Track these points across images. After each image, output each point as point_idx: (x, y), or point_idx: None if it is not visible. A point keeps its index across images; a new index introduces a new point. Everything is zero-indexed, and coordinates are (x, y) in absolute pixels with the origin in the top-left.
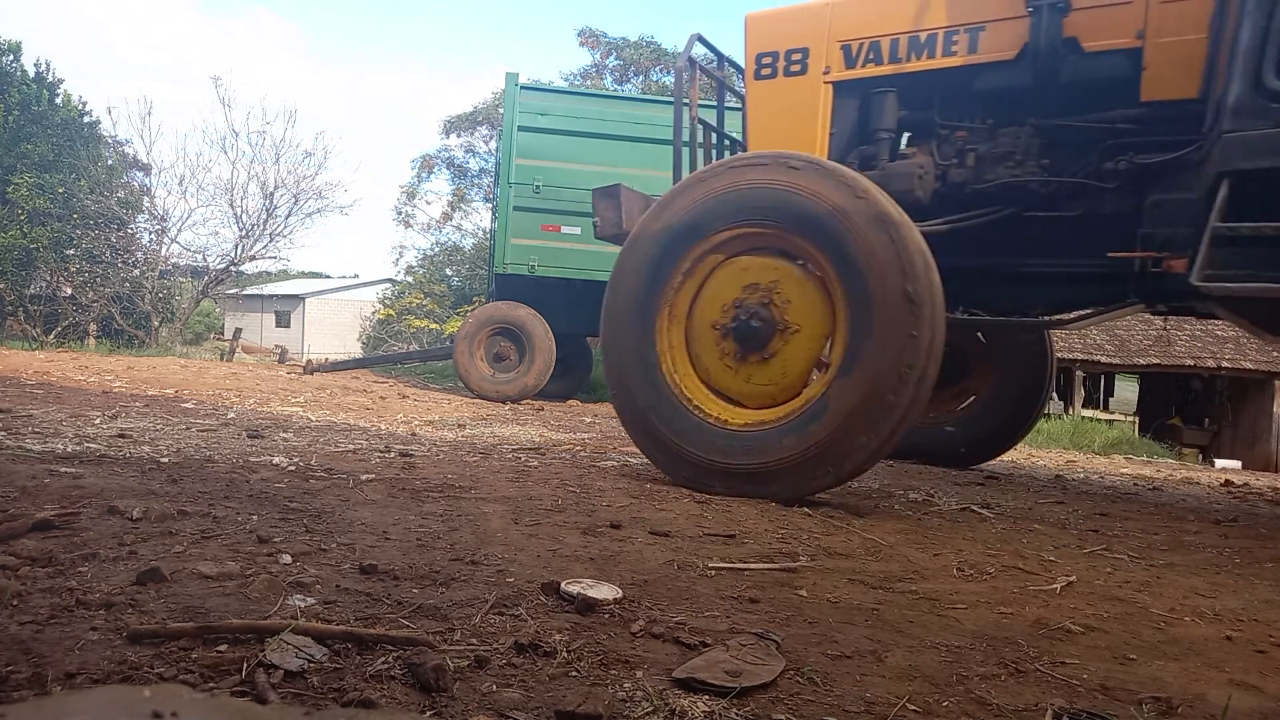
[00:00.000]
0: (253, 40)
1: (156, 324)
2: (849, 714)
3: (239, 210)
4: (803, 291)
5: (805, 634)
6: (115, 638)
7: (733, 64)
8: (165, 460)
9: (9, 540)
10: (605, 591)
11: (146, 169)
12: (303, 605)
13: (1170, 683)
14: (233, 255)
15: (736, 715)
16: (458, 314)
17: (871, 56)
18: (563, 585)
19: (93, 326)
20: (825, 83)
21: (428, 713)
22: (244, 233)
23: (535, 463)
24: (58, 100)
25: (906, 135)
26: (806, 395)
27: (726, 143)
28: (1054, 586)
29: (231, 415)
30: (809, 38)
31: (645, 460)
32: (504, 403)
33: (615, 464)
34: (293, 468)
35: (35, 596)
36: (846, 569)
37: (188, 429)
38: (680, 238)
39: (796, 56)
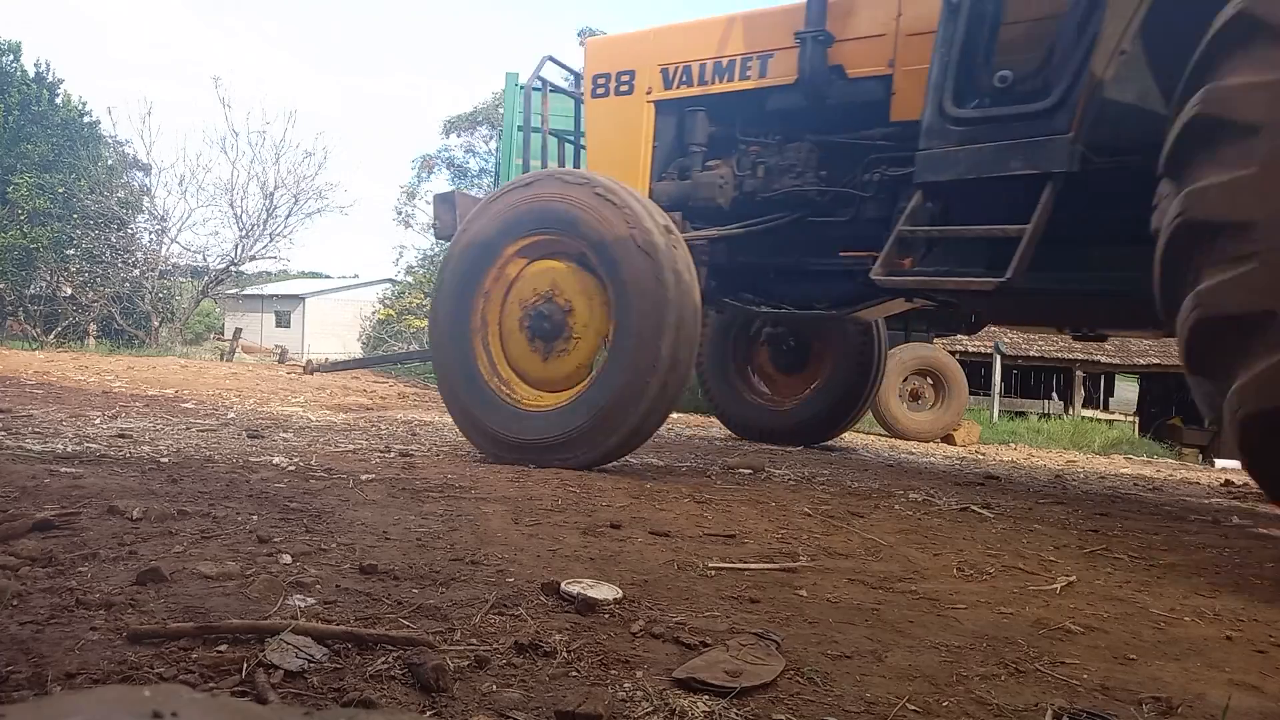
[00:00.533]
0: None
1: (156, 324)
2: (849, 714)
3: (239, 210)
4: (585, 293)
5: (805, 634)
6: (115, 638)
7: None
8: (165, 460)
9: (9, 540)
10: (605, 591)
11: (146, 169)
12: (303, 605)
13: (1170, 683)
14: (233, 255)
15: (736, 715)
16: None
17: (684, 79)
18: (563, 585)
19: (93, 326)
20: (648, 102)
21: (428, 713)
22: (244, 233)
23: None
24: (58, 100)
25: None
26: (591, 379)
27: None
28: (1054, 586)
29: (231, 415)
30: (635, 61)
31: (645, 460)
32: None
33: (615, 463)
34: (293, 468)
35: (35, 596)
36: (846, 569)
37: (188, 429)
38: (485, 249)
39: (625, 78)
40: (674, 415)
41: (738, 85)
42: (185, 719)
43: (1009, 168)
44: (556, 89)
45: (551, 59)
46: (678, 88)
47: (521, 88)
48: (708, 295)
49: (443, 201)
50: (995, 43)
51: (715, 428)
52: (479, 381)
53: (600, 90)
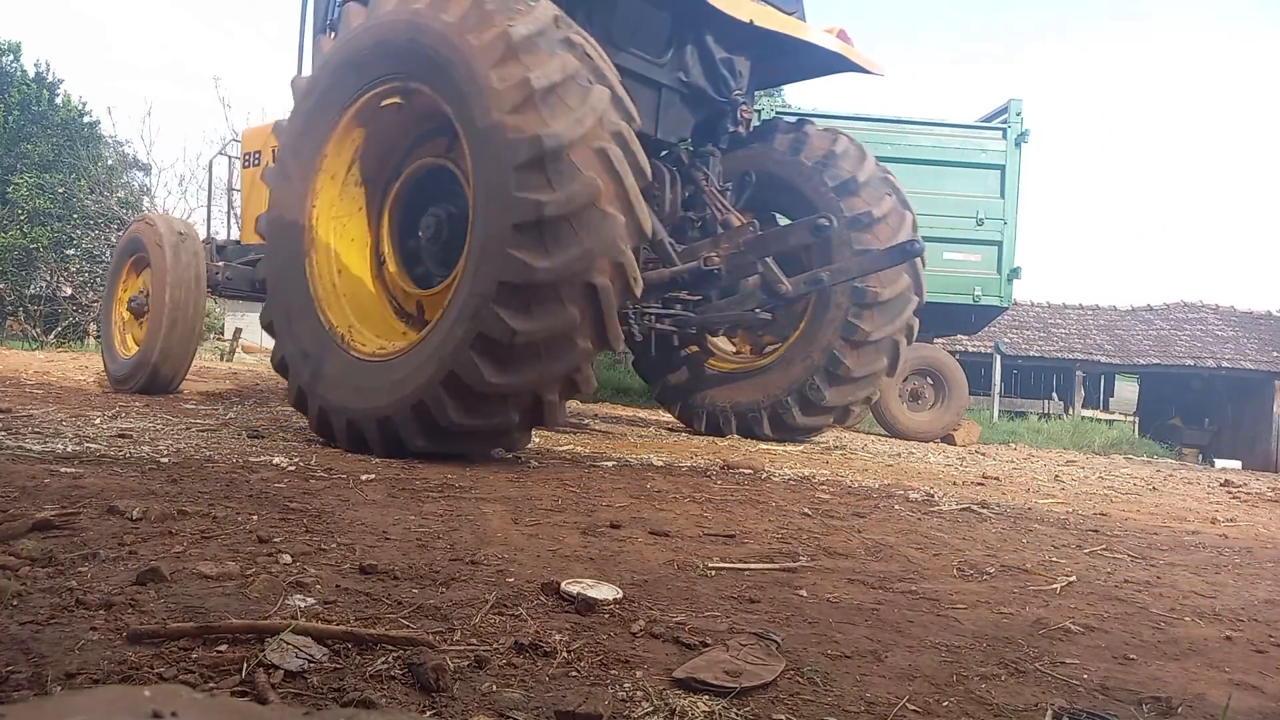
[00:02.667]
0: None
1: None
2: (849, 714)
3: (238, 210)
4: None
5: (805, 634)
6: (115, 638)
7: None
8: (165, 460)
9: (9, 540)
10: (605, 591)
11: (146, 169)
12: (303, 605)
13: (1170, 683)
14: None
15: (736, 715)
16: None
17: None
18: (563, 585)
19: (92, 326)
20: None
21: (428, 713)
22: None
23: (535, 463)
24: (58, 100)
25: None
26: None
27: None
28: (1054, 586)
29: (231, 415)
30: (261, 144)
31: (645, 460)
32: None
33: (615, 464)
34: (293, 468)
35: (35, 596)
36: (846, 569)
37: (188, 429)
38: None
39: (257, 155)
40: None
41: None
42: (185, 719)
43: None
44: None
45: None
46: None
47: None
48: None
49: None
50: None
51: None
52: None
53: (247, 163)
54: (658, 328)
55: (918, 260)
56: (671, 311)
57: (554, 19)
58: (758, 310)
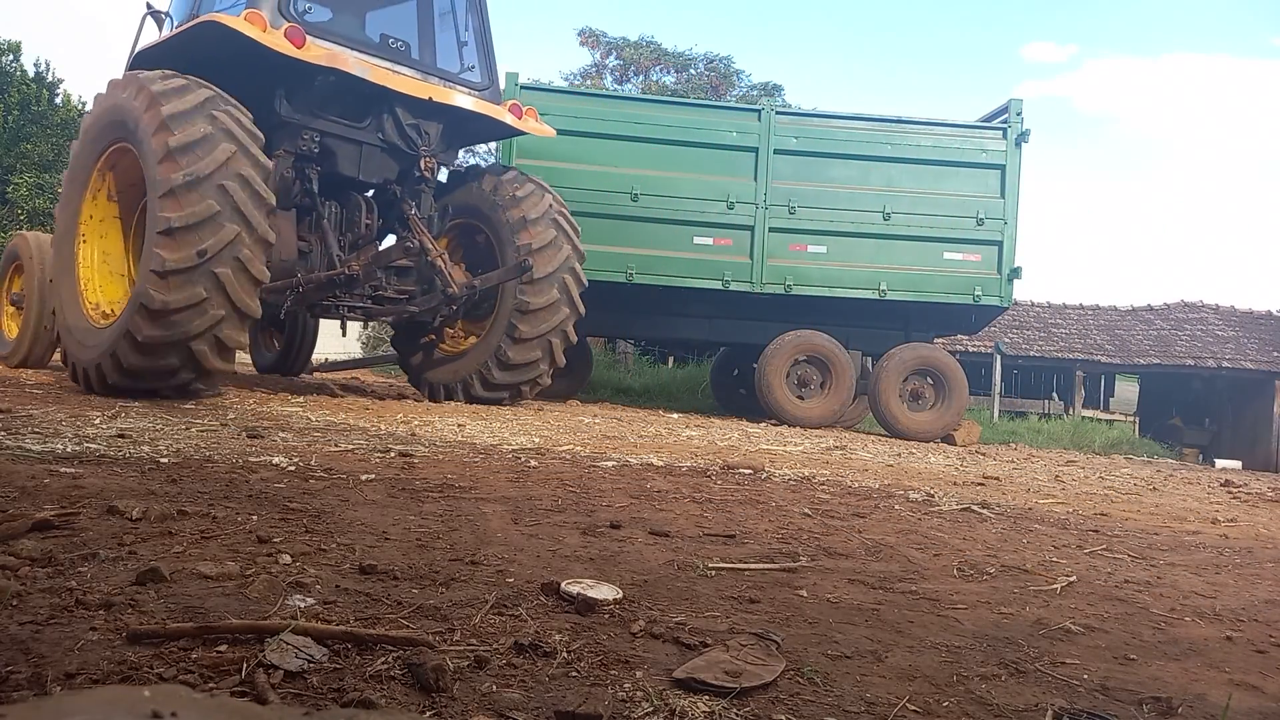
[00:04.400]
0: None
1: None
2: (849, 714)
3: None
4: None
5: (805, 634)
6: (115, 638)
7: None
8: (165, 460)
9: (9, 540)
10: (605, 592)
11: None
12: (302, 605)
13: (1170, 683)
14: None
15: (736, 715)
16: None
17: None
18: (563, 585)
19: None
20: None
21: (428, 713)
22: None
23: (535, 463)
24: (58, 100)
25: None
26: None
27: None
28: (1054, 586)
29: (231, 415)
30: None
31: (645, 460)
32: (504, 403)
33: (615, 464)
34: (292, 468)
35: (35, 596)
36: (846, 569)
37: (187, 429)
38: None
39: None
40: (672, 415)
41: None
42: (185, 719)
43: None
44: (552, 88)
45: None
46: None
47: (523, 87)
48: None
49: None
50: None
51: (715, 427)
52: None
53: None
54: (347, 316)
55: (568, 277)
56: (357, 304)
57: (203, 101)
58: (416, 307)
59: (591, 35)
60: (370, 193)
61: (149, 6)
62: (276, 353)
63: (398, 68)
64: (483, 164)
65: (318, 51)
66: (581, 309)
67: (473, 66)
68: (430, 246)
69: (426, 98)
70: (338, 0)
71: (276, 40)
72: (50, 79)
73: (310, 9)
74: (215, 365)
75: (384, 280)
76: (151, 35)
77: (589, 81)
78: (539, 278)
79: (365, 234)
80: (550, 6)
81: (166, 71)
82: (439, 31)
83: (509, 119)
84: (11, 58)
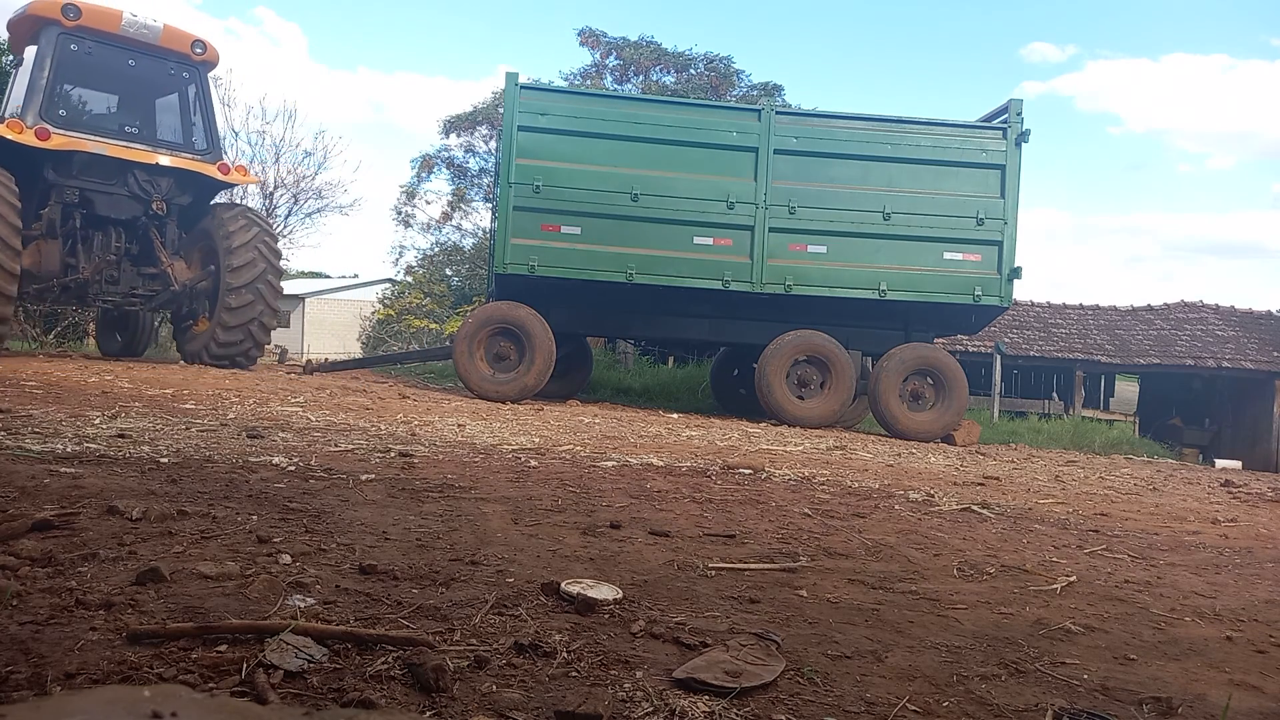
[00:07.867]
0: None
1: (156, 324)
2: (849, 714)
3: None
4: None
5: (805, 634)
6: (115, 638)
7: None
8: (165, 460)
9: (9, 540)
10: (605, 592)
11: None
12: (302, 605)
13: (1170, 683)
14: None
15: (736, 715)
16: (458, 314)
17: None
18: (563, 585)
19: (92, 327)
20: None
21: (428, 713)
22: None
23: (535, 463)
24: None
25: None
26: None
27: None
28: (1054, 586)
29: (231, 415)
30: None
31: (645, 460)
32: (504, 403)
33: (615, 464)
34: (292, 468)
35: (35, 596)
36: (846, 569)
37: (187, 429)
38: None
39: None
40: (672, 415)
41: None
42: (185, 719)
43: None
44: (552, 88)
45: None
46: None
47: (523, 87)
48: None
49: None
50: None
51: (715, 428)
52: None
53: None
54: (104, 304)
55: (263, 286)
56: (115, 300)
57: None
58: (151, 297)
59: (591, 35)
60: (124, 225)
61: None
62: (120, 343)
63: (131, 144)
64: (223, 203)
65: (60, 139)
66: (277, 308)
67: (195, 139)
68: (162, 258)
69: (154, 162)
70: (92, 103)
71: (27, 137)
72: None
73: (65, 114)
74: None
75: (139, 281)
76: None
77: (589, 81)
78: (237, 285)
79: (116, 253)
80: (550, 6)
81: None
82: (161, 114)
83: (216, 174)
84: (12, 58)
